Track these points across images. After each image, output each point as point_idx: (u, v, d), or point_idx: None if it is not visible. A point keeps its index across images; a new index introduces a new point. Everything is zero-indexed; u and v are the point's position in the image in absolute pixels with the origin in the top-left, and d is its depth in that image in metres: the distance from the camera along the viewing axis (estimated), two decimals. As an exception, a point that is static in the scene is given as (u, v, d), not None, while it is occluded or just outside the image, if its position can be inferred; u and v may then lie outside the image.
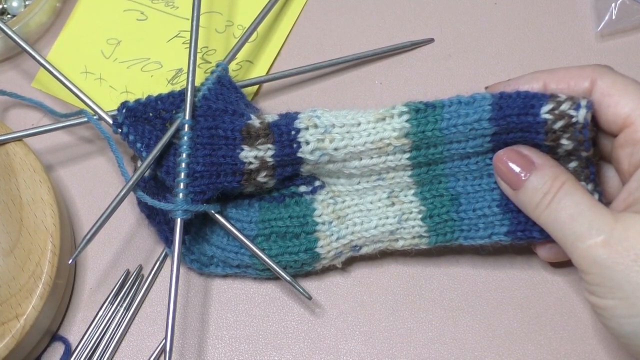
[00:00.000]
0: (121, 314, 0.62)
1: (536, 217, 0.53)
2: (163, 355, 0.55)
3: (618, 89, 0.52)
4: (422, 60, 0.69)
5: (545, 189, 0.52)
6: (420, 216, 0.59)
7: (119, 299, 0.62)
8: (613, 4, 0.67)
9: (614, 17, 0.67)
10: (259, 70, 0.69)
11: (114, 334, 0.61)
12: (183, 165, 0.58)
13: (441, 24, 0.70)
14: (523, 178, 0.53)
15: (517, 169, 0.54)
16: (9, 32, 0.63)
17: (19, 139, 0.62)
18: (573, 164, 0.55)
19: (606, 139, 0.55)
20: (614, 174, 0.56)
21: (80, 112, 0.62)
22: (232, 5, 0.70)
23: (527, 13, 0.70)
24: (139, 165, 0.59)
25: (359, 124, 0.57)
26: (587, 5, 0.69)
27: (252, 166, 0.58)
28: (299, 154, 0.58)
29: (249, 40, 0.67)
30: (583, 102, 0.52)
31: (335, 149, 0.57)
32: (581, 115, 0.52)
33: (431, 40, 0.69)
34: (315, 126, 0.58)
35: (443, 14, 0.70)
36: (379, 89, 0.68)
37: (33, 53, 0.63)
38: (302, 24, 0.71)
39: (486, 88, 0.58)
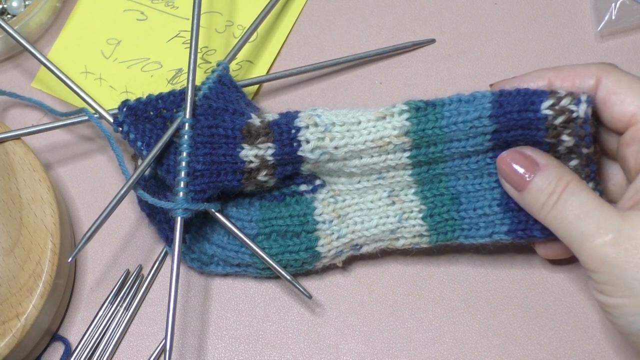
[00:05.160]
0: (121, 314, 0.62)
1: (542, 217, 0.53)
2: (163, 355, 0.55)
3: (624, 87, 0.52)
4: (423, 61, 0.69)
5: (550, 190, 0.52)
6: (420, 215, 0.59)
7: (119, 299, 0.62)
8: (613, 4, 0.67)
9: (614, 17, 0.67)
10: (259, 70, 0.69)
11: (113, 334, 0.61)
12: (183, 164, 0.58)
13: (441, 24, 0.70)
14: (527, 179, 0.53)
15: (521, 170, 0.53)
16: (10, 31, 0.63)
17: (17, 137, 0.62)
18: (574, 162, 0.55)
19: (611, 137, 0.55)
20: (617, 170, 0.56)
21: (80, 111, 0.62)
22: (232, 5, 0.71)
23: (527, 13, 0.70)
24: (139, 163, 0.59)
25: (359, 123, 0.57)
26: (587, 5, 0.69)
27: (252, 165, 0.58)
28: (299, 153, 0.58)
29: (249, 40, 0.67)
30: (583, 97, 0.52)
31: (336, 148, 0.57)
32: (582, 109, 0.52)
33: (432, 41, 0.69)
34: (316, 125, 0.58)
35: (443, 14, 0.70)
36: (379, 89, 0.68)
37: (34, 51, 0.63)
38: (302, 24, 0.71)
39: (491, 86, 0.58)
